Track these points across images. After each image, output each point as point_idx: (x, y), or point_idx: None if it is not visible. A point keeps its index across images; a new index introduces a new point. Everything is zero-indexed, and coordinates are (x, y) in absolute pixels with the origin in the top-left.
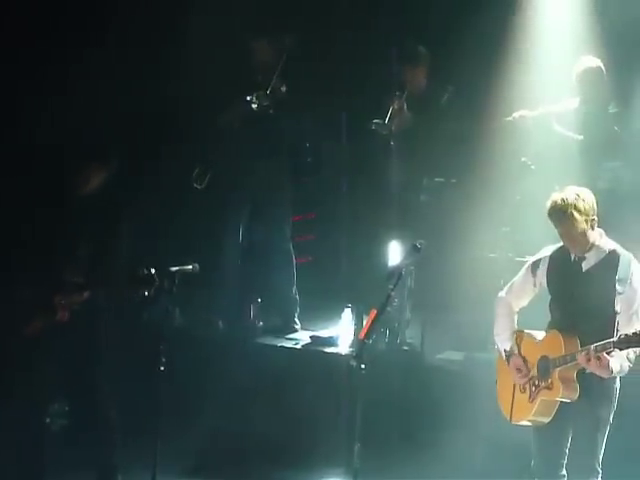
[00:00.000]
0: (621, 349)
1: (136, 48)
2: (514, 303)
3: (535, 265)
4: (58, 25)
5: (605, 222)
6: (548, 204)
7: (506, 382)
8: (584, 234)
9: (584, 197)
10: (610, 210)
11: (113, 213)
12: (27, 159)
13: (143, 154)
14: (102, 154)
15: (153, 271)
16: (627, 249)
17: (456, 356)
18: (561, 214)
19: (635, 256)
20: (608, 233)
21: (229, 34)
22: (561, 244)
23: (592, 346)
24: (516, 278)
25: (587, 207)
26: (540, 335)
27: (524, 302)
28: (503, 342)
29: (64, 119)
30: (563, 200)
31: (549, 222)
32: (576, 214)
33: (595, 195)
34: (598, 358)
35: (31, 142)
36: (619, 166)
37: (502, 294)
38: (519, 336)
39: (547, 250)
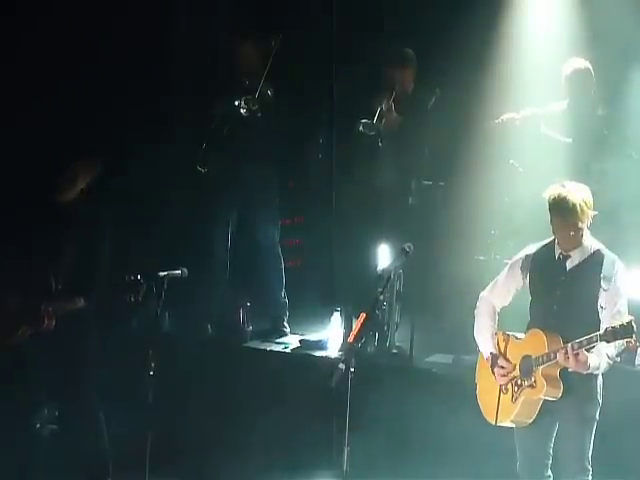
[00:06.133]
0: (608, 342)
1: (122, 50)
2: (496, 302)
3: (518, 264)
4: (44, 21)
5: (593, 224)
6: (552, 195)
7: (487, 383)
8: (582, 228)
9: (587, 191)
10: (598, 212)
11: (97, 218)
12: (11, 164)
13: (129, 157)
14: (87, 157)
15: (139, 277)
16: (615, 250)
17: (445, 359)
18: (569, 207)
19: (622, 257)
20: (597, 235)
21: (215, 38)
22: (544, 242)
23: (577, 341)
24: (499, 277)
25: (591, 202)
26: (521, 335)
27: (506, 301)
28: (485, 342)
29: (50, 120)
30: (570, 192)
31: (538, 224)
32: (585, 207)
33: None
34: (576, 354)
35: (14, 145)
36: (607, 168)
37: (484, 294)
38: (500, 336)
39: (530, 248)
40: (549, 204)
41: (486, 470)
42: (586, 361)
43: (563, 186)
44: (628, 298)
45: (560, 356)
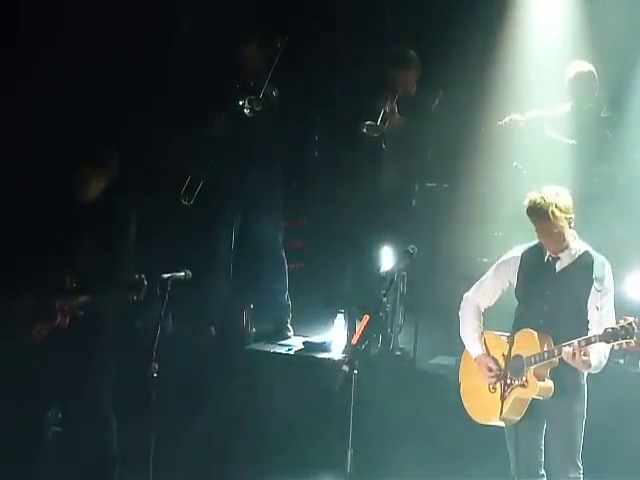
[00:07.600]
0: (608, 342)
1: (125, 58)
2: (481, 303)
3: (505, 265)
4: (51, 27)
5: (596, 226)
6: (527, 202)
7: (474, 383)
8: (562, 232)
9: (563, 195)
10: (601, 214)
11: (116, 217)
12: (26, 164)
13: (138, 159)
14: (99, 160)
15: (143, 276)
16: (618, 252)
17: (448, 361)
18: (542, 212)
19: (624, 259)
20: (599, 236)
21: (219, 39)
22: (532, 244)
23: (576, 341)
24: (484, 278)
25: (567, 205)
26: (505, 335)
27: (491, 302)
28: (473, 343)
29: (62, 122)
30: (543, 198)
31: None
32: (557, 212)
33: (586, 199)
34: (583, 353)
35: (29, 147)
36: (611, 170)
37: (469, 294)
38: (487, 336)
39: (517, 250)
40: (526, 210)
41: (489, 470)
42: (588, 359)
43: (539, 192)
44: (629, 298)
45: (566, 353)
